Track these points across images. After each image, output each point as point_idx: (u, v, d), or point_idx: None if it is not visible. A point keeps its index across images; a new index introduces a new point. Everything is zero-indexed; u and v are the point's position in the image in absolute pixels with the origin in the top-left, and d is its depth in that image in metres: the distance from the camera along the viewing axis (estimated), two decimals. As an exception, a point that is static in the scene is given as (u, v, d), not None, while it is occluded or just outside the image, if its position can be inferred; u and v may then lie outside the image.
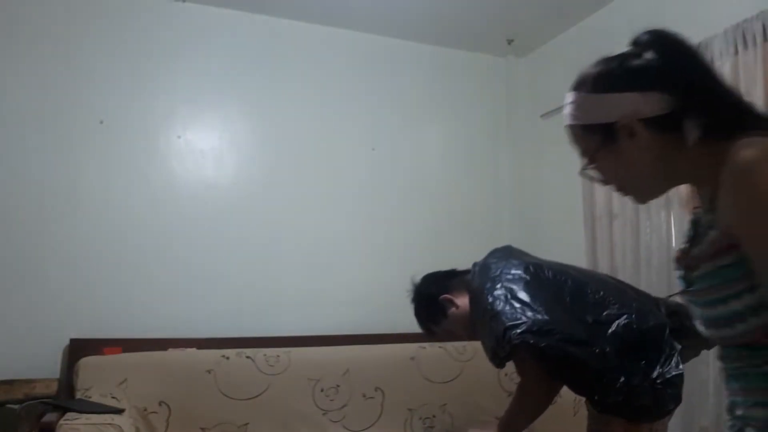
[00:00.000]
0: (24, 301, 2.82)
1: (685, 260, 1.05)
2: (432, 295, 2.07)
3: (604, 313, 1.77)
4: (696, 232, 1.05)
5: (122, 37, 3.13)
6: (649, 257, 2.88)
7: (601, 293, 1.84)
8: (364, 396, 2.90)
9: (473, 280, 1.98)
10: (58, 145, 2.97)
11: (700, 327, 1.04)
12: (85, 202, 2.99)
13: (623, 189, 1.10)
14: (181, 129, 3.21)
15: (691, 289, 1.03)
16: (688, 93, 0.99)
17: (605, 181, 1.11)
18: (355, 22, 3.50)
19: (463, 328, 2.06)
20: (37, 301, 2.84)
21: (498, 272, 1.90)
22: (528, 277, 1.86)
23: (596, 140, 1.06)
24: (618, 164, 1.06)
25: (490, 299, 1.83)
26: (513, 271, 1.88)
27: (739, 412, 1.00)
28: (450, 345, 3.12)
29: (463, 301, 2.03)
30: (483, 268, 1.97)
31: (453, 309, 2.04)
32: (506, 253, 2.03)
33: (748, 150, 0.89)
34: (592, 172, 1.11)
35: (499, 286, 1.85)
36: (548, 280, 1.87)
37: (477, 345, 3.16)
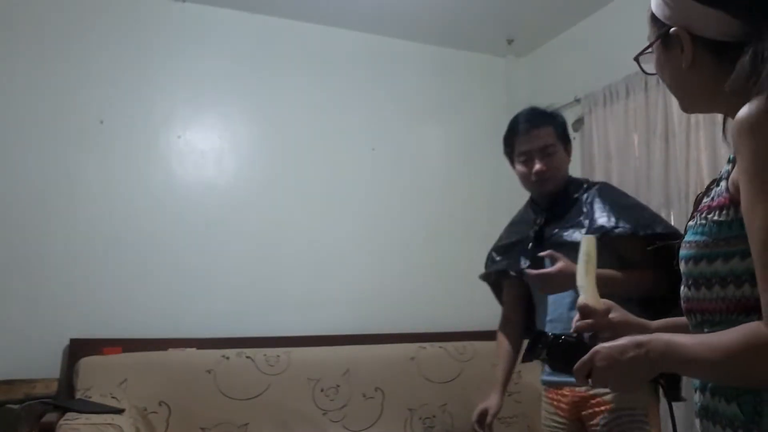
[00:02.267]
0: (24, 301, 2.82)
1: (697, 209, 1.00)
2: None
3: None
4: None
5: (122, 36, 3.13)
6: (649, 257, 2.87)
7: None
8: (364, 396, 2.91)
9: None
10: (58, 144, 2.97)
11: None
12: (85, 202, 2.98)
13: (668, 88, 1.05)
14: (181, 129, 3.21)
15: (685, 239, 0.96)
16: (757, 23, 0.85)
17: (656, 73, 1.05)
18: (355, 22, 3.50)
19: (556, 169, 1.99)
20: (37, 301, 2.84)
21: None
22: None
23: (654, 34, 1.00)
24: (662, 68, 1.00)
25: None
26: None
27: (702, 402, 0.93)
28: (450, 345, 3.12)
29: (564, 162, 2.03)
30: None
31: (566, 157, 2.02)
32: None
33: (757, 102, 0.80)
34: (645, 64, 1.06)
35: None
36: None
37: (477, 345, 3.18)
